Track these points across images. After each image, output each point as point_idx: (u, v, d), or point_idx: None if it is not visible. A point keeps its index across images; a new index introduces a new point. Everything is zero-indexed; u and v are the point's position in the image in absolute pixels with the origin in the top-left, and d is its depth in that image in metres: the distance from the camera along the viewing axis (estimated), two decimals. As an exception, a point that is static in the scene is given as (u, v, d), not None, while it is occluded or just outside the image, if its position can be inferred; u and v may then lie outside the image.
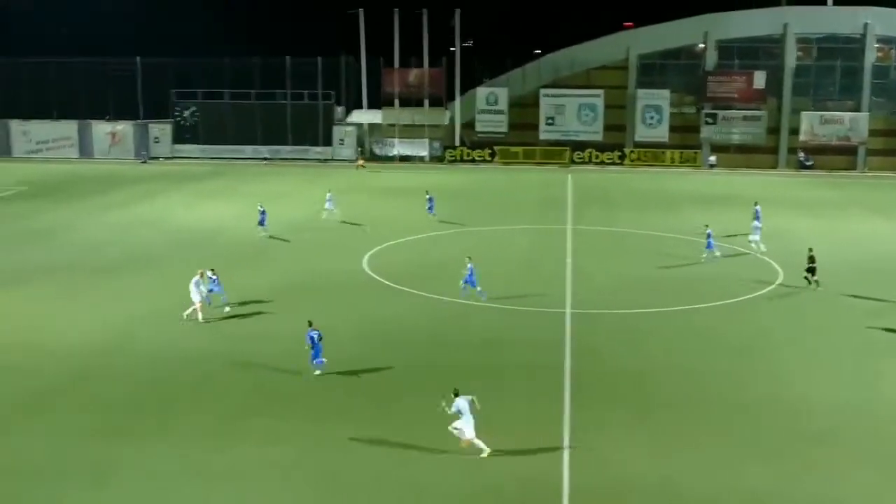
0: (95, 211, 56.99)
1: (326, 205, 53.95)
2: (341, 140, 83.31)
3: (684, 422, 24.75)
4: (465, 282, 35.98)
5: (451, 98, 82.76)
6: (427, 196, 53.35)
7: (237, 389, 27.14)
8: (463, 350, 30.65)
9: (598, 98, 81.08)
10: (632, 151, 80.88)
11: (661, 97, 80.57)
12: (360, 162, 78.90)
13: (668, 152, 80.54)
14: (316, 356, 28.40)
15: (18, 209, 57.38)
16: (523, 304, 35.52)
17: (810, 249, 38.63)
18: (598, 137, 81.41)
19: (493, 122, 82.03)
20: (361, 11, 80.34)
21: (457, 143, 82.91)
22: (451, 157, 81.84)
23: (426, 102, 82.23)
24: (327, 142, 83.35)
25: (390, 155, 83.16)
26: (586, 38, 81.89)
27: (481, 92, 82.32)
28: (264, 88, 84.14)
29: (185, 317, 33.38)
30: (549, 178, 72.63)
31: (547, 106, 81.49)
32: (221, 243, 46.92)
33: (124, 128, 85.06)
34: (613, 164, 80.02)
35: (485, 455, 22.25)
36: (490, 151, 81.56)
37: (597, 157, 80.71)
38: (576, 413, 25.06)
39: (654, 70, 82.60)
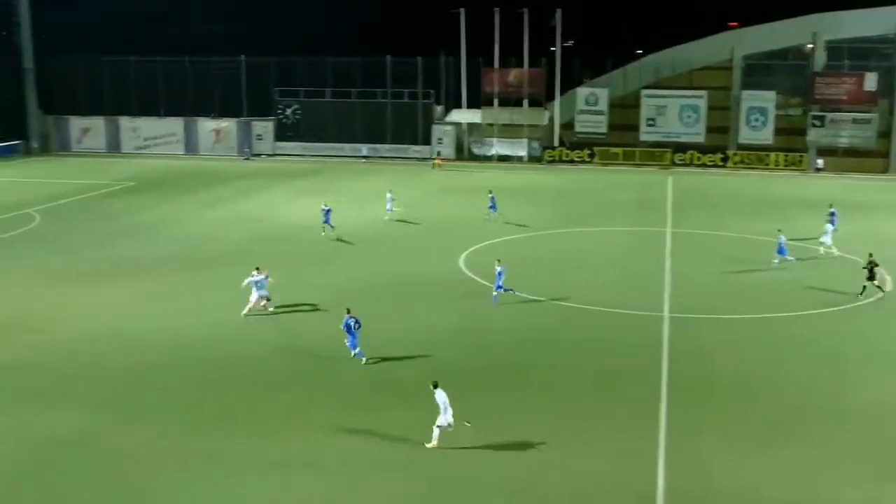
0: (199, 206, 58.23)
1: (388, 205, 53.62)
2: (440, 139, 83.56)
3: (785, 430, 24.07)
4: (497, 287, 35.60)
5: (551, 98, 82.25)
6: (489, 195, 53.05)
7: (332, 383, 27.37)
8: (558, 351, 30.36)
9: (700, 99, 79.66)
10: (735, 154, 79.22)
11: (767, 99, 78.70)
12: (438, 161, 79.01)
13: (773, 155, 78.63)
14: (353, 345, 28.99)
15: (125, 204, 58.97)
16: (620, 306, 35.02)
17: (870, 255, 37.18)
18: (700, 139, 79.98)
19: (592, 123, 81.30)
20: (462, 11, 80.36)
21: (556, 143, 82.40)
22: (550, 157, 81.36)
23: (525, 102, 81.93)
24: (426, 141, 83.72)
25: (489, 154, 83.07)
26: (689, 39, 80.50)
27: (581, 92, 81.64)
28: (365, 87, 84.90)
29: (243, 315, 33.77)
30: (648, 179, 71.64)
31: (648, 107, 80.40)
32: (320, 240, 47.40)
33: (228, 125, 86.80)
34: (715, 166, 78.50)
35: (429, 446, 22.42)
36: (589, 152, 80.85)
37: (698, 159, 79.32)
38: (672, 418, 24.59)
39: (760, 71, 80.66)
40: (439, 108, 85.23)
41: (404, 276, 40.00)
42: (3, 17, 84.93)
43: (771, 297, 36.71)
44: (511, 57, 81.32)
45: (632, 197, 62.40)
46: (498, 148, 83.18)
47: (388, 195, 54.24)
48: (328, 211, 49.00)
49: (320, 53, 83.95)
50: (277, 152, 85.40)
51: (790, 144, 78.94)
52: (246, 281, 34.25)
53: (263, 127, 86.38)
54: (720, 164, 78.76)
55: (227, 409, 25.41)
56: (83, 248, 45.24)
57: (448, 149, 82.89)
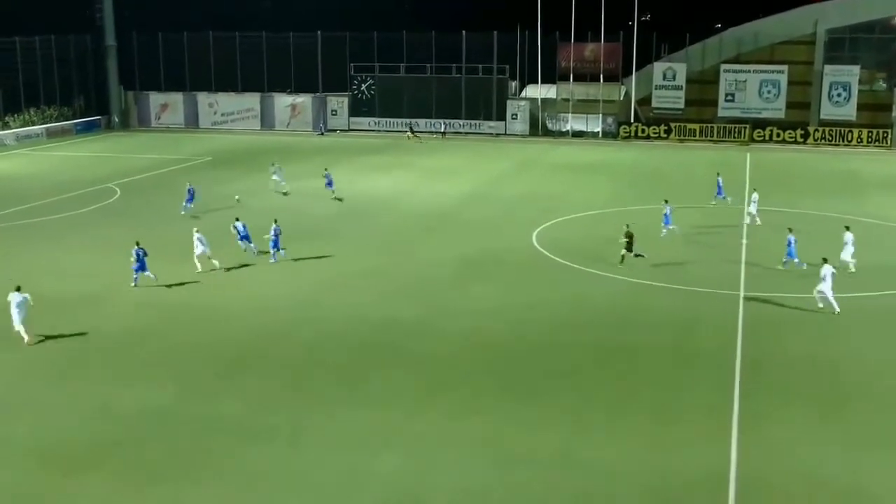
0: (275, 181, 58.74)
1: (274, 176, 54.98)
2: (514, 115, 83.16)
3: (862, 414, 23.58)
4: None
5: (628, 73, 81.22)
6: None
7: (422, 361, 27.57)
8: (630, 330, 30.14)
9: (781, 74, 77.92)
10: (816, 130, 77.44)
11: (850, 74, 76.62)
12: (410, 135, 79.90)
13: (856, 131, 76.62)
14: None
15: (203, 178, 59.80)
16: (695, 284, 34.58)
17: (627, 226, 37.17)
18: (781, 115, 78.31)
19: (669, 99, 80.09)
20: (539, -15, 79.73)
21: (631, 119, 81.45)
22: (626, 133, 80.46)
23: (601, 77, 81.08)
24: (500, 116, 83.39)
25: (563, 130, 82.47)
26: (771, 12, 78.77)
27: (658, 67, 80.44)
28: (440, 62, 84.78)
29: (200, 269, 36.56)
30: (726, 156, 70.43)
31: (727, 82, 78.92)
32: (394, 215, 47.62)
33: (304, 100, 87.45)
34: (795, 142, 76.83)
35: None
36: (665, 128, 79.73)
37: (778, 135, 77.71)
38: (747, 402, 24.22)
39: (844, 45, 78.61)
40: (514, 84, 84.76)
41: (481, 252, 40.00)
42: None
43: (848, 277, 35.87)
44: (587, 31, 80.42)
45: (709, 174, 61.35)
46: (573, 123, 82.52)
47: (273, 167, 55.86)
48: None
49: (396, 29, 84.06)
50: (352, 127, 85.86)
51: (874, 120, 76.88)
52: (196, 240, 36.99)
53: (338, 102, 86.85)
54: (801, 140, 77.08)
55: (314, 384, 25.77)
56: (162, 222, 46.06)
57: (523, 124, 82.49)
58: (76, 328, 30.32)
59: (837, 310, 31.14)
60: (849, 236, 36.81)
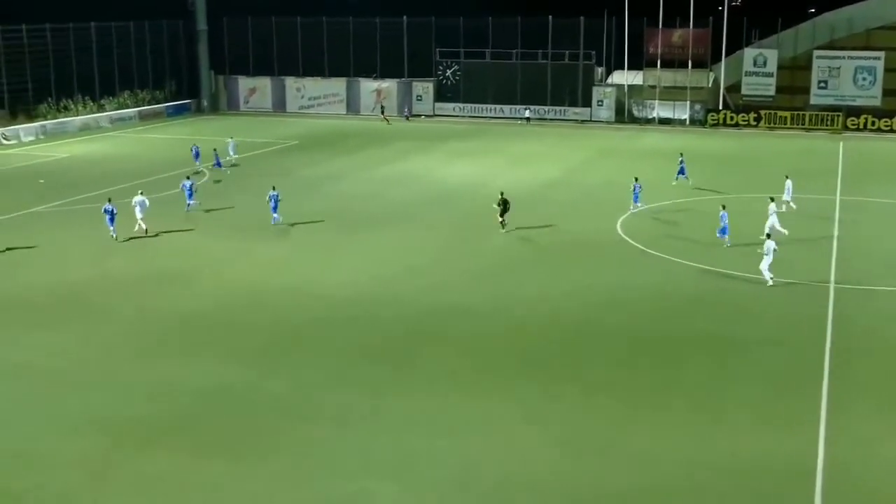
0: (359, 165, 59.38)
1: (230, 151, 58.56)
2: (600, 101, 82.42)
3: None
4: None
5: (717, 60, 79.84)
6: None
7: (487, 345, 27.60)
8: (716, 320, 29.74)
9: (877, 61, 75.72)
10: (913, 118, 75.18)
11: (951, 60, 74.22)
12: (382, 117, 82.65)
13: (955, 120, 74.22)
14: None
15: (290, 162, 60.66)
16: (784, 275, 33.92)
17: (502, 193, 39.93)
18: (876, 103, 76.15)
19: (759, 86, 78.47)
20: (627, -30, 78.80)
21: (720, 106, 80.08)
22: (714, 120, 79.11)
23: (689, 64, 79.83)
24: (586, 102, 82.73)
25: (649, 117, 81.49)
26: (866, -3, 76.72)
27: (749, 53, 78.83)
28: (525, 48, 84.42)
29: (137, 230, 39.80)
30: (818, 145, 68.90)
31: (820, 69, 77.04)
32: (475, 200, 47.67)
33: (389, 85, 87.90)
34: (892, 131, 74.69)
35: None
36: (755, 116, 78.18)
37: (873, 123, 75.61)
38: (835, 391, 23.76)
39: (945, 30, 76.15)
40: (600, 70, 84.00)
41: (562, 237, 39.88)
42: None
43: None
44: (676, 17, 79.20)
45: (800, 162, 60.13)
46: (659, 110, 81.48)
47: (230, 140, 59.79)
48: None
49: (482, 14, 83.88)
50: (437, 113, 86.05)
51: (975, 109, 74.38)
52: (133, 202, 40.15)
53: (423, 88, 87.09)
54: (897, 128, 74.96)
55: (385, 368, 25.97)
56: (248, 204, 46.79)
57: (608, 111, 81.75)
58: (161, 307, 31.06)
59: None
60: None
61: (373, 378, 25.03)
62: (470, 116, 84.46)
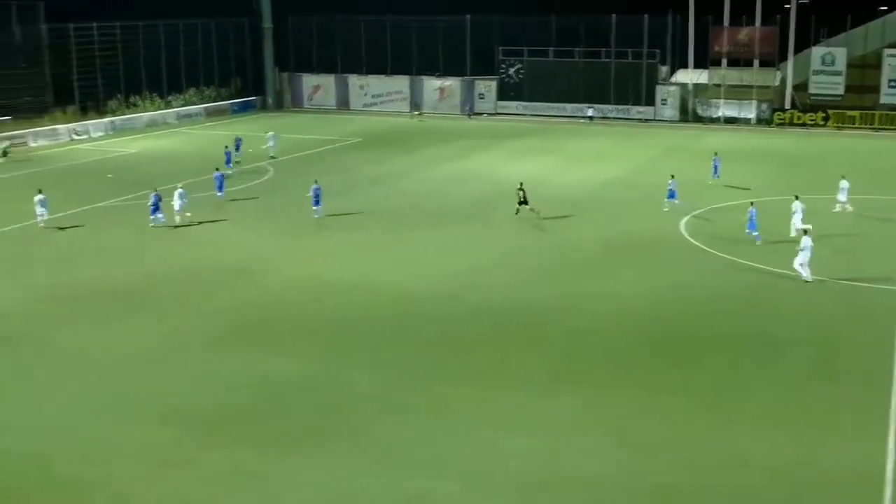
0: (421, 163, 59.63)
1: (269, 142, 60.92)
2: (664, 100, 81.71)
3: None
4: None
5: (784, 58, 78.72)
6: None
7: (558, 343, 27.68)
8: (774, 322, 29.34)
9: (949, 59, 74.17)
10: None
11: None
12: (415, 114, 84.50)
13: None
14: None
15: (353, 159, 61.12)
16: (849, 277, 33.38)
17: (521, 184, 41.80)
18: (949, 102, 74.58)
19: (828, 84, 77.17)
20: (692, -33, 78.01)
21: (787, 105, 78.92)
22: (780, 119, 77.96)
23: (756, 62, 78.81)
24: (650, 101, 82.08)
25: (714, 116, 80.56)
26: (941, -7, 75.13)
27: (817, 52, 77.58)
28: (589, 46, 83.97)
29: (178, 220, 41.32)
30: (887, 145, 67.58)
31: (891, 67, 75.52)
32: (538, 198, 47.55)
33: (452, 84, 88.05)
34: (964, 132, 73.08)
35: None
36: (823, 115, 76.90)
37: (945, 124, 74.04)
38: (905, 398, 23.37)
39: None
40: (664, 68, 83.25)
41: (624, 236, 39.69)
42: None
43: None
44: (742, 15, 78.21)
45: (870, 163, 59.08)
46: (724, 109, 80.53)
47: (270, 134, 62.06)
48: (235, 144, 58.59)
49: (545, 12, 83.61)
50: (499, 111, 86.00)
51: None
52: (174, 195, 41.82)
53: (486, 86, 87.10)
54: (970, 130, 73.26)
55: (453, 361, 26.16)
56: (307, 200, 47.22)
57: (672, 110, 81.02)
58: (231, 299, 31.58)
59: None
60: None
61: (442, 375, 25.18)
62: (532, 115, 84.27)
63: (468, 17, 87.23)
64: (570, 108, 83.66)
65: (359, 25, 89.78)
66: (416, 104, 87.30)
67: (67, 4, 70.95)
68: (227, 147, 56.61)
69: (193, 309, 30.73)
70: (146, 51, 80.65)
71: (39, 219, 41.59)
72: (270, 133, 62.49)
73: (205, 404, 23.33)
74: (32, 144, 67.11)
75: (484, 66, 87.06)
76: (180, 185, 43.61)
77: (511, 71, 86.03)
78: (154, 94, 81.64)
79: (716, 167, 51.17)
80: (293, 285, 33.19)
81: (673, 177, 45.26)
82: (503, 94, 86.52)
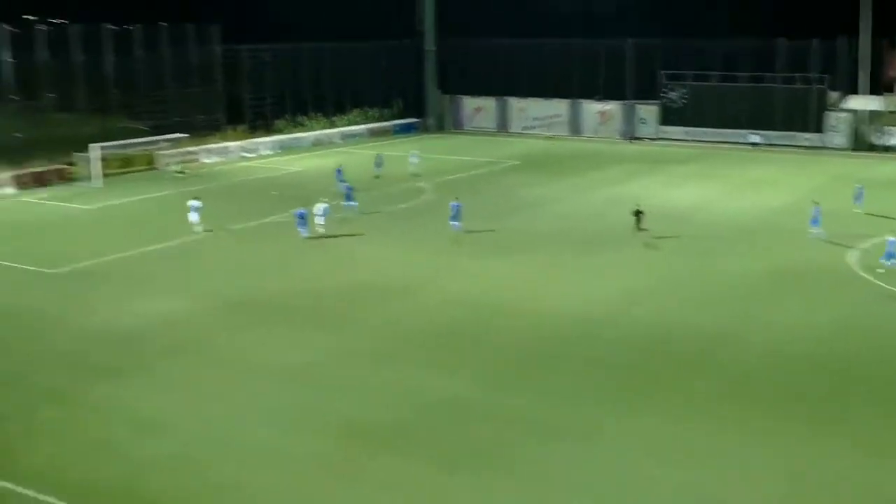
0: (581, 187, 59.36)
1: (412, 160, 62.26)
2: (834, 127, 78.83)
3: None
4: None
5: (967, 84, 74.89)
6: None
7: (720, 373, 27.20)
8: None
9: None
10: None
11: None
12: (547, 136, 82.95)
13: None
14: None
15: (511, 181, 61.37)
16: None
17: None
18: None
19: None
20: (868, -11, 75.12)
21: (968, 134, 74.96)
22: (961, 149, 74.07)
23: (936, 88, 75.31)
24: (818, 128, 79.30)
25: (889, 144, 77.06)
26: None
27: None
28: (754, 71, 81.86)
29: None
30: None
31: None
32: (698, 224, 46.73)
33: (613, 108, 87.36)
34: None
35: None
36: None
37: None
38: None
39: None
40: (834, 94, 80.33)
41: (788, 266, 38.58)
42: (411, 1, 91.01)
43: None
44: (920, 38, 74.92)
45: None
46: (900, 138, 77.03)
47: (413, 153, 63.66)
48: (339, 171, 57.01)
49: (709, 36, 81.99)
50: (660, 136, 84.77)
51: None
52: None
53: (647, 110, 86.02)
54: None
55: (612, 387, 26.05)
56: (468, 221, 47.62)
57: (843, 137, 78.04)
58: (392, 315, 32.21)
59: None
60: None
61: (599, 400, 25.07)
62: (695, 140, 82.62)
63: (630, 40, 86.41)
64: (734, 133, 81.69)
65: (520, 48, 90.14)
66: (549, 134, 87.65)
67: (242, 26, 73.99)
68: (340, 170, 57.97)
69: (357, 324, 31.55)
70: (313, 72, 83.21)
71: (193, 225, 44.17)
72: (413, 152, 64.21)
73: (366, 418, 23.86)
74: (205, 161, 70.05)
75: (645, 91, 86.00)
76: (324, 199, 44.95)
77: (673, 95, 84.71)
78: (319, 114, 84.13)
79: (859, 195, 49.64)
80: (451, 305, 33.60)
81: (817, 203, 43.99)
82: (665, 118, 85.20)
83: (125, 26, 67.89)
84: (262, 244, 43.31)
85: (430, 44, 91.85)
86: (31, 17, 65.05)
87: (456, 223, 43.59)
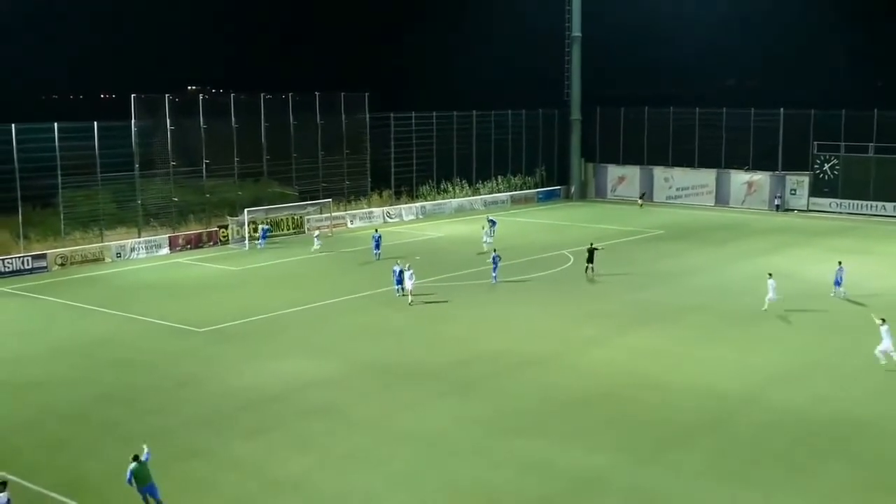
0: (726, 258, 58.03)
1: (485, 237, 60.65)
2: None
3: None
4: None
5: None
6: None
7: (863, 460, 26.06)
8: None
9: None
10: None
11: None
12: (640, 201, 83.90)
13: None
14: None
15: (654, 250, 60.52)
16: None
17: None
18: None
19: None
20: None
21: None
22: None
23: None
24: (983, 201, 75.66)
25: None
26: None
27: None
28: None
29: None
30: None
31: None
32: (846, 302, 44.92)
33: (761, 178, 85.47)
34: None
35: None
36: None
37: None
38: None
39: None
40: None
41: None
42: (557, 70, 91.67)
43: None
44: None
45: None
46: None
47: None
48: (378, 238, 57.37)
49: (866, 107, 79.64)
50: (811, 208, 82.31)
51: None
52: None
53: (798, 181, 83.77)
54: None
55: (756, 470, 25.19)
56: (610, 290, 47.19)
57: None
58: (530, 385, 32.00)
59: None
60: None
61: (739, 483, 24.26)
62: (848, 213, 79.90)
63: (782, 110, 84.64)
64: (890, 207, 78.63)
65: (667, 117, 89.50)
66: (642, 192, 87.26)
67: (391, 94, 75.93)
68: (376, 234, 58.56)
69: (495, 392, 31.52)
70: (458, 139, 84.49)
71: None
72: (490, 217, 65.15)
73: (508, 489, 23.74)
74: (350, 225, 71.74)
75: (795, 161, 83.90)
76: (407, 263, 46.65)
77: (826, 167, 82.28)
78: (463, 181, 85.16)
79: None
80: (590, 377, 33.21)
81: (840, 263, 44.74)
82: (816, 189, 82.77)
83: (282, 95, 70.64)
84: (401, 308, 43.82)
85: (576, 113, 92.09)
86: (193, 87, 68.39)
87: (400, 286, 45.43)
